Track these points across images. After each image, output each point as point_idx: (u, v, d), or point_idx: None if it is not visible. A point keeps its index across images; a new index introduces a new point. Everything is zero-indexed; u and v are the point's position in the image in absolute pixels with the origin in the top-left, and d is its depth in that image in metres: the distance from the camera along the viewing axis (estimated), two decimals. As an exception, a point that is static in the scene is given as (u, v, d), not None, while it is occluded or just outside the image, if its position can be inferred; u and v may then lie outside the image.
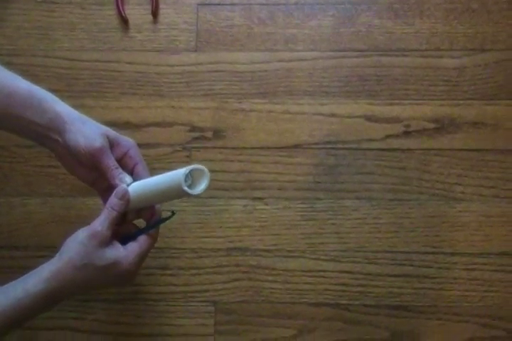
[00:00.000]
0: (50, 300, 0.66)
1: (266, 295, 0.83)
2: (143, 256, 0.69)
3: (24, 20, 0.93)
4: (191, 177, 0.67)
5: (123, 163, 0.71)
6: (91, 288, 0.71)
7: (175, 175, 0.66)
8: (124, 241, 0.69)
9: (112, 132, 0.71)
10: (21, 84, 0.69)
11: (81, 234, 0.67)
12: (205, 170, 0.66)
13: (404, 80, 0.88)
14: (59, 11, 0.93)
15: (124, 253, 0.67)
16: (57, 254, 0.67)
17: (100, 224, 0.67)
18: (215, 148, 0.88)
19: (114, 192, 0.69)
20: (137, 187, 0.69)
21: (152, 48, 0.91)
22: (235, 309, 0.83)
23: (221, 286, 0.84)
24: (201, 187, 0.66)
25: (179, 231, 0.85)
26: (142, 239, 0.69)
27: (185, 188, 0.64)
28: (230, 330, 0.82)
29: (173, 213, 0.72)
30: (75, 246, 0.66)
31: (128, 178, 0.69)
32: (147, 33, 0.92)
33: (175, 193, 0.67)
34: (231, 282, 0.84)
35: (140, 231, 0.71)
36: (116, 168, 0.69)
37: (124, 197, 0.68)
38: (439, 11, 0.90)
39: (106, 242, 0.67)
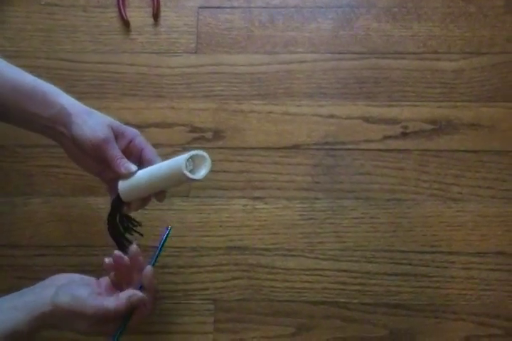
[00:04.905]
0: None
1: (265, 294, 0.84)
2: (106, 316, 0.66)
3: (27, 23, 0.94)
4: (193, 163, 0.68)
5: (129, 151, 0.71)
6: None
7: (176, 161, 0.67)
8: None
9: (116, 123, 0.71)
10: (26, 78, 0.70)
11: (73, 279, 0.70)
12: (206, 155, 0.68)
13: (402, 82, 0.90)
14: (61, 13, 0.94)
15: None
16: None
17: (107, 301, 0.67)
18: (215, 148, 0.89)
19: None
20: (142, 174, 0.70)
21: (153, 50, 0.93)
22: (234, 307, 0.83)
23: (221, 285, 0.84)
24: (202, 172, 0.68)
25: (179, 230, 0.85)
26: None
27: (186, 172, 0.65)
28: (229, 328, 0.82)
29: (168, 230, 0.75)
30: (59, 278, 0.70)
31: (133, 166, 0.70)
32: (148, 35, 0.93)
33: (177, 178, 0.68)
34: (231, 280, 0.84)
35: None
36: (122, 158, 0.69)
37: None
38: (436, 15, 0.92)
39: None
